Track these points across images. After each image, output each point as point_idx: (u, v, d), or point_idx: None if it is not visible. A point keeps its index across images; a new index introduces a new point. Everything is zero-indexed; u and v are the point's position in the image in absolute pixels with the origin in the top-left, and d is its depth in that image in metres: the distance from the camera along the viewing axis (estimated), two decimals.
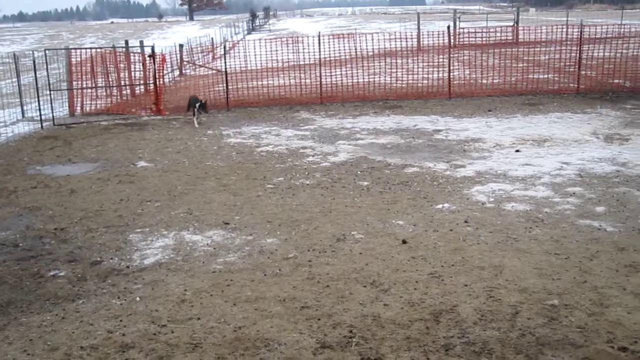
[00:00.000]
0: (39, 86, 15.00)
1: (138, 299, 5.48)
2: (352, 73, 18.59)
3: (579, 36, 18.28)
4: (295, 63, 20.93)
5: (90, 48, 19.17)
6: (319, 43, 17.91)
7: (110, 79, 18.55)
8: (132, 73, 18.43)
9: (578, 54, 18.02)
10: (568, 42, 20.08)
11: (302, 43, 20.55)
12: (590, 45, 19.38)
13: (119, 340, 4.75)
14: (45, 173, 10.25)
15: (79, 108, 16.72)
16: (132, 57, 18.78)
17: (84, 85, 17.07)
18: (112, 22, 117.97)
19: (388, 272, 5.81)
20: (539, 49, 22.28)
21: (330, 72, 18.33)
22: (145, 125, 14.62)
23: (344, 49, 20.71)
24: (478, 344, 4.47)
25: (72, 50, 17.22)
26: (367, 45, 21.35)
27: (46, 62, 15.34)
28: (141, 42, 20.49)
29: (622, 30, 22.15)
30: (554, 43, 21.33)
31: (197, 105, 14.16)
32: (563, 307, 5.00)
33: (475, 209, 7.65)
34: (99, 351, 4.61)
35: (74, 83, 16.58)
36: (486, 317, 4.86)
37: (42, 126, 14.43)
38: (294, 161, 10.52)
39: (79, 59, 17.23)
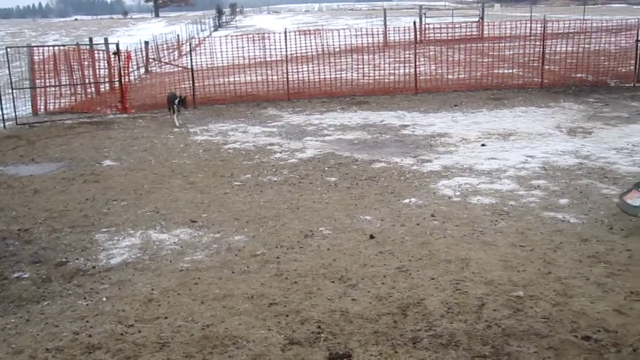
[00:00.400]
0: (1, 85, 14.74)
1: (104, 299, 5.42)
2: (319, 69, 18.58)
3: (543, 31, 18.54)
4: (262, 60, 20.87)
5: (54, 46, 18.88)
6: (286, 39, 17.89)
7: (74, 77, 18.30)
8: (97, 71, 18.19)
9: (542, 49, 18.27)
10: (532, 37, 20.35)
11: (269, 39, 20.49)
12: (553, 40, 19.67)
13: (85, 342, 4.69)
14: (8, 173, 10.08)
15: (42, 107, 16.47)
16: (96, 55, 18.55)
17: (48, 84, 16.82)
18: (75, 19, 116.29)
19: (356, 267, 5.83)
20: (503, 44, 22.53)
21: (297, 69, 18.31)
22: (110, 123, 14.46)
23: (311, 45, 20.70)
24: (445, 336, 4.52)
25: (35, 48, 16.92)
26: (334, 42, 21.38)
27: (8, 61, 15.05)
28: (106, 39, 20.26)
29: (584, 25, 22.51)
30: (518, 38, 21.59)
31: (177, 101, 13.81)
32: (528, 298, 5.07)
33: (442, 203, 7.72)
34: (65, 353, 4.55)
35: (37, 81, 16.32)
36: (453, 310, 4.91)
37: (4, 125, 14.18)
38: (262, 158, 10.50)
39: (42, 57, 16.96)
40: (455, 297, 5.14)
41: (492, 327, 4.62)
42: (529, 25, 20.79)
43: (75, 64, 18.24)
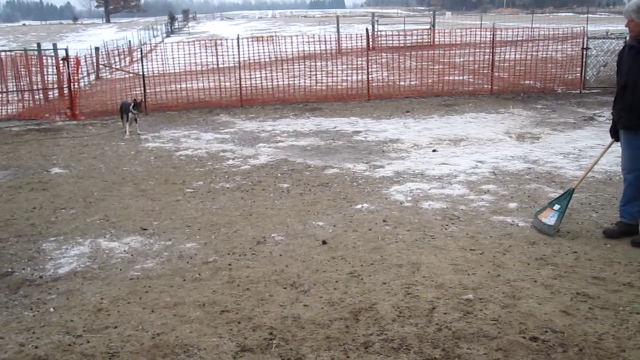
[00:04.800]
0: None
1: (52, 309, 5.31)
2: (272, 76, 18.59)
3: (492, 39, 18.88)
4: (215, 66, 20.77)
5: (0, 51, 18.44)
6: (239, 46, 17.83)
7: (21, 83, 17.90)
8: (45, 77, 17.83)
9: (491, 56, 18.61)
10: (482, 45, 20.73)
11: (222, 46, 20.41)
12: (502, 48, 20.05)
13: (32, 353, 4.58)
14: None
15: None
16: (45, 61, 18.18)
17: None
18: (23, 25, 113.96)
19: (308, 273, 5.83)
20: (454, 52, 22.87)
21: (250, 75, 18.28)
22: (59, 130, 14.18)
23: (264, 52, 20.69)
24: (396, 340, 4.55)
25: None
26: (287, 48, 21.40)
27: None
28: (54, 44, 19.88)
29: (532, 33, 23.01)
30: (468, 46, 21.95)
31: (131, 107, 13.06)
32: (478, 300, 5.15)
33: (394, 208, 7.78)
34: None
35: None
36: (404, 314, 4.95)
37: None
38: (214, 165, 10.43)
39: None
40: (407, 301, 5.18)
41: (443, 330, 4.67)
42: (479, 33, 21.11)
43: (23, 70, 17.85)
